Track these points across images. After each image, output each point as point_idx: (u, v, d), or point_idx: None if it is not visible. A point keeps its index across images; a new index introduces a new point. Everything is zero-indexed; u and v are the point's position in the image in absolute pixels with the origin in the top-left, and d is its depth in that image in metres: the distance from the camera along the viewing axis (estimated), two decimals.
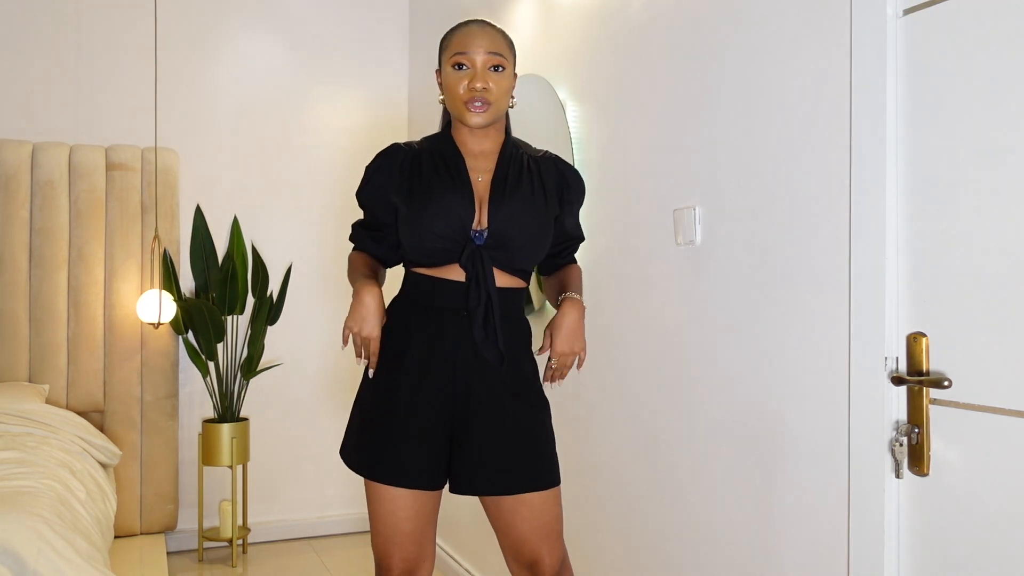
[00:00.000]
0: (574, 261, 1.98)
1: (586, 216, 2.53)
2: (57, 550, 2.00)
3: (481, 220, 1.74)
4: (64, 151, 3.48)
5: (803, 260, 1.72)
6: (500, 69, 1.75)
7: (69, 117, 3.60)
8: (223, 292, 3.61)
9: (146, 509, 3.54)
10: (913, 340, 1.49)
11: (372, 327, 1.73)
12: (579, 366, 1.83)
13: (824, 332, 1.66)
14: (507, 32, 1.85)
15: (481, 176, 1.78)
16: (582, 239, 1.98)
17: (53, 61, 3.58)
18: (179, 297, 3.55)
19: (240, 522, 3.73)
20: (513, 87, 1.80)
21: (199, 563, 3.57)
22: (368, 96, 4.09)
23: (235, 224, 3.77)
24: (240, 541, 3.70)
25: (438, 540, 3.59)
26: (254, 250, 3.81)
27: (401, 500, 1.74)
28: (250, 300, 3.78)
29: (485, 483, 1.75)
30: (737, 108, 1.91)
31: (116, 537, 3.36)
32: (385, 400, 1.76)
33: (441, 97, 1.82)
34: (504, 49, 1.77)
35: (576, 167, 2.56)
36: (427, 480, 1.75)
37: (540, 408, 1.82)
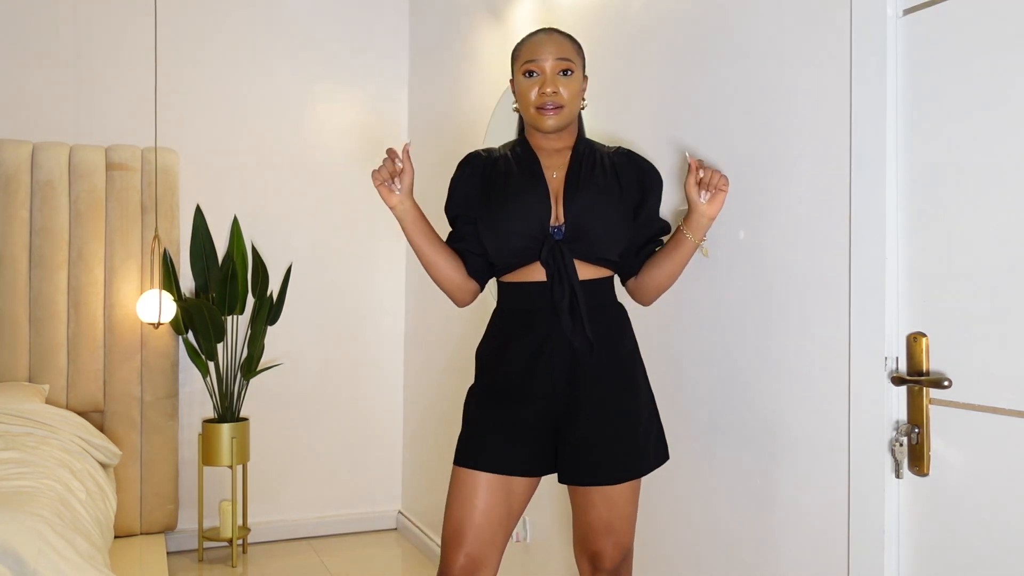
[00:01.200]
0: None
1: None
2: (57, 550, 2.00)
3: (558, 215, 1.79)
4: (64, 151, 3.48)
5: (803, 260, 1.72)
6: (569, 73, 1.81)
7: (69, 117, 3.60)
8: (223, 292, 3.61)
9: (146, 509, 3.54)
10: (913, 340, 1.49)
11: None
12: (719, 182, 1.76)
13: (824, 332, 1.66)
14: (574, 37, 1.90)
15: (556, 173, 1.84)
16: (668, 229, 1.95)
17: (53, 61, 3.58)
18: (179, 297, 3.55)
19: (240, 522, 3.73)
20: (584, 89, 1.88)
21: (199, 563, 3.57)
22: (368, 96, 4.09)
23: (235, 224, 3.77)
24: (240, 541, 3.70)
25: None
26: (254, 250, 3.81)
27: (481, 489, 1.76)
28: (250, 300, 3.78)
29: (585, 474, 1.79)
30: (737, 108, 1.91)
31: (116, 537, 3.36)
32: (493, 405, 1.81)
33: (515, 105, 1.89)
34: (572, 54, 1.83)
35: None
36: (524, 468, 1.78)
37: (638, 391, 1.84)
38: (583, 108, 1.89)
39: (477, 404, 1.85)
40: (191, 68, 3.78)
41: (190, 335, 3.64)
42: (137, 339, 3.54)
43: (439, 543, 3.53)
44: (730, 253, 1.93)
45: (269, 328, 3.74)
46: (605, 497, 1.79)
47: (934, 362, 1.46)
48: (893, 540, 1.52)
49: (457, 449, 1.83)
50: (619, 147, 1.94)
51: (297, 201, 3.94)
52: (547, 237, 1.76)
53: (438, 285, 1.91)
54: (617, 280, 1.96)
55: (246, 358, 3.65)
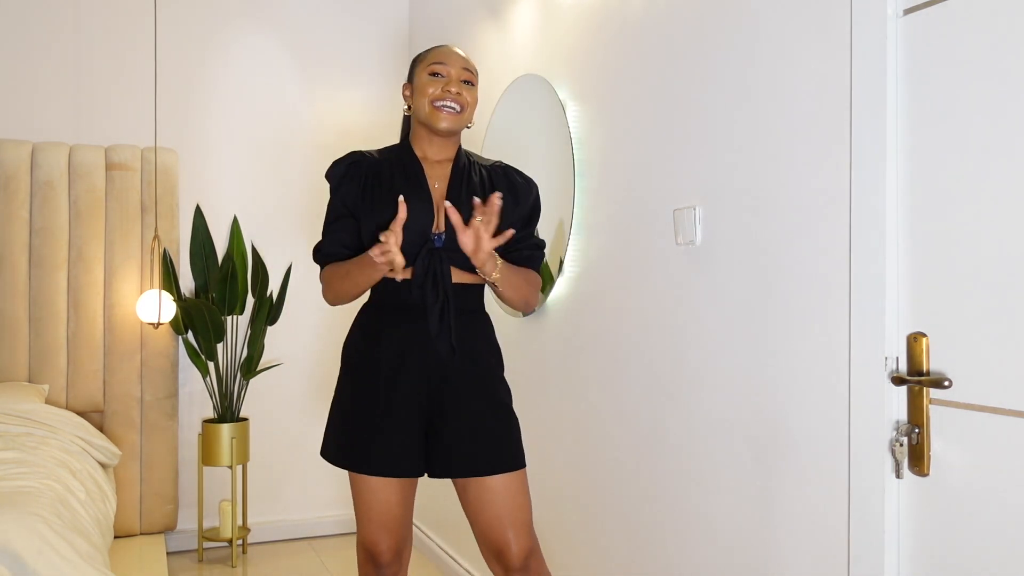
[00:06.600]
0: (535, 270, 2.04)
1: (586, 216, 2.53)
2: (57, 550, 2.00)
3: (439, 224, 1.89)
4: (64, 151, 3.48)
5: (803, 260, 1.72)
6: (471, 84, 1.95)
7: (69, 117, 3.60)
8: (223, 292, 3.61)
9: (146, 509, 3.54)
10: (913, 340, 1.49)
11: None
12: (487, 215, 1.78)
13: (824, 332, 1.66)
14: (482, 48, 2.01)
15: (438, 183, 1.94)
16: (539, 247, 2.04)
17: (53, 61, 3.58)
18: (179, 297, 3.55)
19: (240, 522, 3.73)
20: (475, 107, 1.99)
21: (199, 563, 3.57)
22: (368, 97, 4.09)
23: (235, 224, 3.77)
24: (240, 541, 3.70)
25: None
26: (254, 250, 3.81)
27: (387, 489, 1.90)
28: (250, 300, 3.78)
29: (458, 466, 1.88)
30: (737, 108, 1.91)
31: (116, 537, 3.36)
32: (365, 399, 1.90)
33: (406, 108, 1.99)
34: (474, 71, 1.98)
35: (573, 167, 2.56)
36: (409, 468, 1.89)
37: (502, 398, 1.95)
38: (469, 127, 1.99)
39: (358, 403, 1.91)
40: (191, 68, 3.78)
41: (190, 335, 3.64)
42: (137, 339, 3.54)
43: (439, 543, 3.54)
44: (730, 253, 1.93)
45: (269, 328, 3.75)
46: (496, 490, 1.87)
47: (934, 362, 1.46)
48: (893, 540, 1.52)
49: (347, 452, 1.90)
50: (497, 161, 2.05)
51: (297, 201, 3.94)
52: (426, 243, 1.85)
53: (347, 299, 1.94)
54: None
55: (246, 358, 3.65)
